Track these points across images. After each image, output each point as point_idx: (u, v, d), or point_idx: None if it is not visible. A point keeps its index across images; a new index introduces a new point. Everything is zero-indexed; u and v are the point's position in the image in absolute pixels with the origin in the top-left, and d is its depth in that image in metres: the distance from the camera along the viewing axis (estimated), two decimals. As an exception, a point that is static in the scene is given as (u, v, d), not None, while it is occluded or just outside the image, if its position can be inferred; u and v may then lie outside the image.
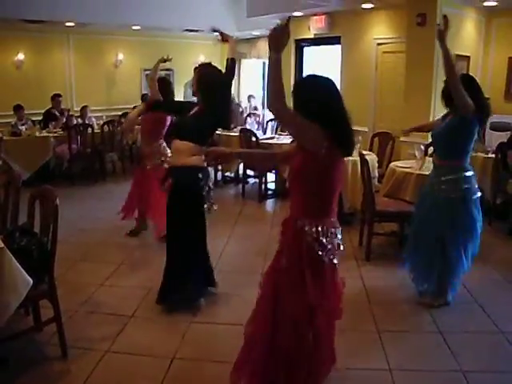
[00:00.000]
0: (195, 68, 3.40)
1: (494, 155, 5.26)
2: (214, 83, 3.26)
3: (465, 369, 2.68)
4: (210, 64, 3.46)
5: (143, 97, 9.27)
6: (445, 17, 3.16)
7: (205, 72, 3.31)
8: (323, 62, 7.94)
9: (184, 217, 3.26)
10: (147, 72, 10.10)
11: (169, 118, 4.56)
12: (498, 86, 6.15)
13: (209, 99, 3.24)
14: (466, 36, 5.93)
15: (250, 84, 11.37)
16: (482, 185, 5.23)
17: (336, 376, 2.59)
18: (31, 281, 2.40)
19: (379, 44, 6.45)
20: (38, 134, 7.09)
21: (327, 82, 2.13)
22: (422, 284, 3.54)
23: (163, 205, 3.38)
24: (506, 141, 5.23)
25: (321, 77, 2.16)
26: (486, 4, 5.79)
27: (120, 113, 8.95)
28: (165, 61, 4.55)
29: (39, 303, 2.89)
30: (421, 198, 3.58)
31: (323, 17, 7.15)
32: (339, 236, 2.19)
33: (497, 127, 5.69)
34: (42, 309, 2.91)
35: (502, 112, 5.77)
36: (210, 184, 3.41)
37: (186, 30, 9.54)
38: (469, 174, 3.31)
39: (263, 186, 6.57)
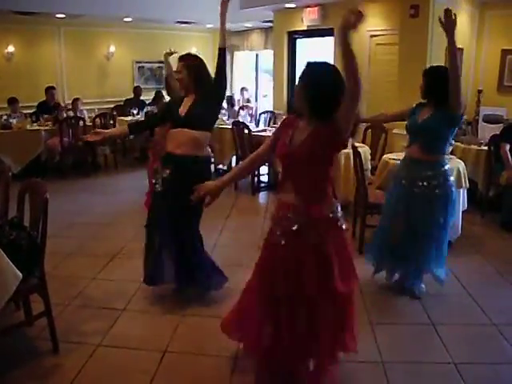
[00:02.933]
0: (180, 58, 3.32)
1: (486, 147, 5.28)
2: (206, 73, 3.28)
3: (457, 361, 2.69)
4: (195, 56, 3.42)
5: (135, 89, 9.22)
6: (447, 10, 3.09)
7: (195, 63, 3.29)
8: (316, 54, 7.90)
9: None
10: (140, 64, 10.13)
11: None
12: (491, 79, 6.15)
13: (202, 87, 3.23)
14: (459, 28, 5.82)
15: (242, 76, 11.31)
16: (475, 177, 5.28)
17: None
18: (20, 275, 2.37)
19: (372, 36, 6.42)
20: (29, 126, 7.01)
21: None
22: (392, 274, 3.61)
23: None
24: (498, 133, 5.24)
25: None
26: (479, -4, 5.78)
27: (112, 105, 8.90)
28: (171, 53, 4.52)
29: (30, 297, 2.87)
30: (395, 190, 3.47)
31: (316, 8, 7.10)
32: None
33: (489, 119, 5.70)
34: (34, 303, 2.89)
35: (495, 104, 5.78)
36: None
37: (178, 21, 9.47)
38: (447, 167, 3.35)
39: (256, 179, 6.55)
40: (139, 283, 3.62)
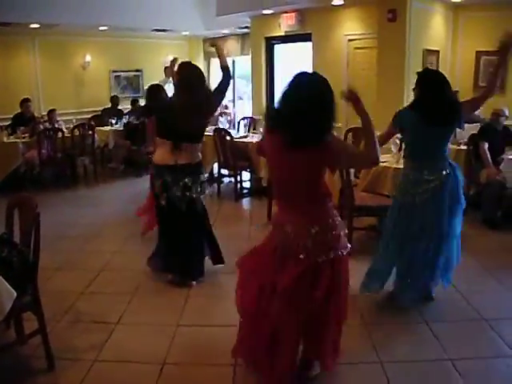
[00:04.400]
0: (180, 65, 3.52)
1: (466, 147, 5.41)
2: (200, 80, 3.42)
3: (452, 357, 2.75)
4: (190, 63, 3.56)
5: (112, 99, 9.12)
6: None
7: (190, 71, 3.39)
8: (294, 59, 7.96)
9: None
10: (116, 73, 10.04)
11: None
12: (467, 79, 6.32)
13: (196, 96, 3.35)
14: (435, 31, 6.06)
15: (206, 81, 11.27)
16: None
17: (328, 371, 2.62)
18: (15, 293, 2.32)
19: (350, 40, 6.52)
20: (5, 139, 6.85)
21: None
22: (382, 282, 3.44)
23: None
24: (476, 132, 5.38)
25: None
26: (453, -1, 5.95)
27: (89, 116, 8.78)
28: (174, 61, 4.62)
29: (21, 315, 2.80)
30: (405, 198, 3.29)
31: (294, 14, 7.17)
32: None
33: (466, 119, 5.82)
34: (24, 321, 2.82)
35: (471, 104, 5.92)
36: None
37: (154, 29, 9.42)
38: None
39: (239, 185, 6.55)
40: (131, 296, 3.60)
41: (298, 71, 2.21)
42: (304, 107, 2.07)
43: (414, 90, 3.32)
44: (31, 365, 2.72)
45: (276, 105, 2.19)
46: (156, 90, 4.94)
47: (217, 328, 3.14)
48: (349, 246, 2.34)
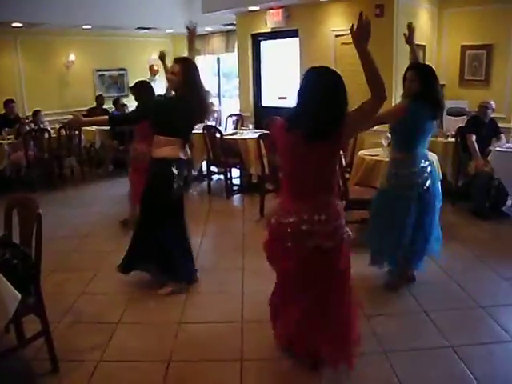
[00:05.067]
0: (176, 60, 3.40)
1: (453, 139, 5.50)
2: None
3: (453, 344, 2.81)
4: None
5: (97, 98, 9.01)
6: (409, 25, 3.50)
7: (190, 67, 3.34)
8: (281, 55, 7.97)
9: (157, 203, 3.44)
10: (100, 73, 9.92)
11: None
12: (453, 73, 6.41)
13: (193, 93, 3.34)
14: (422, 26, 6.13)
15: (205, 80, 11.25)
16: (444, 168, 5.49)
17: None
18: (19, 295, 2.29)
19: (337, 36, 6.53)
20: (-10, 141, 6.73)
21: None
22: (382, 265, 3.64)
23: None
24: (463, 125, 5.48)
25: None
26: (438, -6, 6.03)
27: (74, 116, 8.66)
28: (163, 55, 4.65)
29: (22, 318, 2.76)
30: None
31: (280, 10, 7.16)
32: None
33: (452, 112, 5.95)
34: (25, 323, 2.77)
35: (457, 98, 6.04)
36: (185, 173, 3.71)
37: (138, 28, 9.34)
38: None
39: (229, 182, 6.55)
40: (130, 295, 3.58)
41: (309, 68, 2.30)
42: (322, 105, 2.20)
43: (405, 81, 3.37)
44: (35, 368, 2.69)
45: (295, 104, 2.30)
46: (145, 87, 4.87)
47: (219, 324, 3.15)
48: (350, 232, 2.45)
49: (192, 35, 3.79)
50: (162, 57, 4.64)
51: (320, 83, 2.23)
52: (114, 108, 8.46)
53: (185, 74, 3.31)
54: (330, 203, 2.36)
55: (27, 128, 6.98)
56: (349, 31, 2.19)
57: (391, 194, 3.43)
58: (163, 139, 3.35)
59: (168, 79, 3.35)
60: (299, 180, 2.37)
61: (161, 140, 3.35)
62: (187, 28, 3.81)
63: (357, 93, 2.36)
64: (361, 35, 2.12)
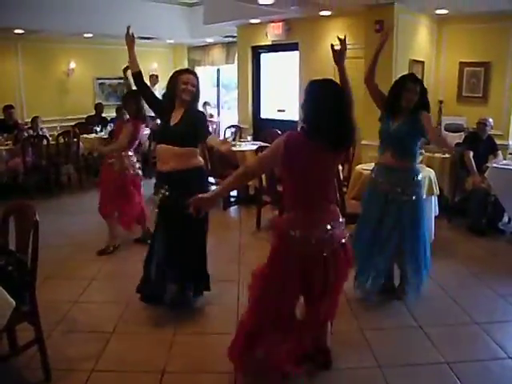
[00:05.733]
0: (191, 72, 3.47)
1: (450, 155, 5.53)
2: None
3: (449, 360, 2.80)
4: None
5: (97, 106, 9.04)
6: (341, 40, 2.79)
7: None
8: (281, 68, 8.03)
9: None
10: (100, 81, 9.96)
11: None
12: (451, 90, 6.48)
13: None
14: (421, 42, 6.22)
15: (204, 91, 11.31)
16: (441, 184, 5.51)
17: (328, 377, 2.64)
18: (14, 302, 2.27)
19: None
20: (-12, 147, 6.72)
21: None
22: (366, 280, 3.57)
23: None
24: (461, 141, 5.52)
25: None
26: (437, 12, 6.10)
27: (73, 123, 8.67)
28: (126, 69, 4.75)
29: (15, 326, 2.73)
30: (373, 199, 3.61)
31: (281, 24, 7.24)
32: None
33: (450, 128, 6.00)
34: (17, 331, 2.75)
35: (455, 114, 6.10)
36: None
37: (140, 37, 9.35)
38: (420, 177, 3.52)
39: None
40: (124, 305, 3.55)
41: (313, 80, 2.41)
42: (342, 113, 2.33)
43: (401, 92, 3.43)
44: (27, 376, 2.65)
45: (310, 119, 2.37)
46: (132, 98, 4.66)
47: (214, 336, 3.13)
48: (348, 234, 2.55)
49: (130, 41, 3.80)
50: (125, 70, 4.86)
51: (334, 94, 2.36)
52: (115, 115, 8.47)
53: (198, 86, 3.38)
54: (334, 210, 2.46)
55: (25, 134, 6.98)
56: (348, 46, 2.61)
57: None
58: (191, 150, 3.33)
59: (188, 90, 3.34)
60: (311, 190, 2.40)
61: (189, 150, 3.32)
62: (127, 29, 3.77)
63: (356, 105, 2.41)
64: (340, 56, 2.65)
